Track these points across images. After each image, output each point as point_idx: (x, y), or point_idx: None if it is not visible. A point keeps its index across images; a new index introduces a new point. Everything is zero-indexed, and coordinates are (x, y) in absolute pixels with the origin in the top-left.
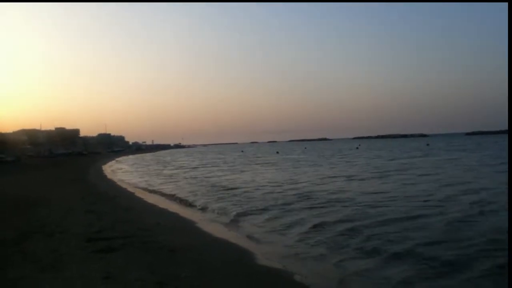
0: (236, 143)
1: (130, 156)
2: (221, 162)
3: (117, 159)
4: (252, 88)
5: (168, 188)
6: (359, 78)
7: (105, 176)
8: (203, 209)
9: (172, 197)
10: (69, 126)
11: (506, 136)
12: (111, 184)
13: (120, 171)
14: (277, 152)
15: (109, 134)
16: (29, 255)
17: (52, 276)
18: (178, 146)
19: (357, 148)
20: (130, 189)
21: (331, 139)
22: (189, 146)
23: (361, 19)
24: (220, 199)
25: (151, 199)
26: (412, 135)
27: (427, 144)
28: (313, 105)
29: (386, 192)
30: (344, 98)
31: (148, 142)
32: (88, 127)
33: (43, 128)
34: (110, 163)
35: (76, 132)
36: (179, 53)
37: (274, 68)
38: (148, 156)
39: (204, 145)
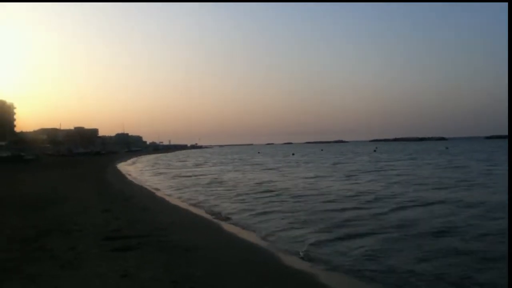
0: (252, 144)
1: (148, 156)
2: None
3: (132, 159)
4: (267, 89)
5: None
6: (378, 80)
7: (122, 175)
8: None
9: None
10: (88, 125)
11: None
12: (128, 183)
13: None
14: (293, 154)
15: (126, 134)
16: (48, 252)
17: (70, 274)
18: (194, 146)
19: (374, 151)
20: (147, 188)
21: (347, 141)
22: (205, 147)
23: (376, 20)
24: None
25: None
26: (430, 139)
27: (446, 148)
28: (330, 107)
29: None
30: (361, 100)
31: (165, 142)
32: (106, 127)
33: (62, 128)
34: (124, 164)
35: (94, 131)
36: (192, 53)
37: (289, 69)
38: (165, 156)
39: (221, 146)
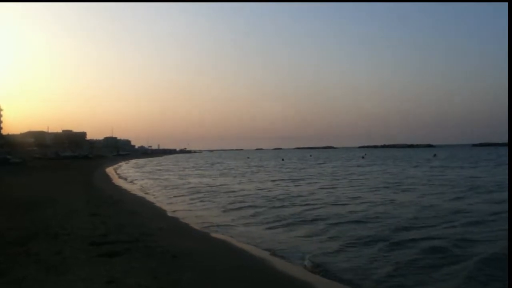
0: (242, 149)
1: (137, 160)
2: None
3: (119, 163)
4: (258, 94)
5: None
6: (366, 86)
7: (110, 179)
8: None
9: None
10: (76, 129)
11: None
12: (116, 187)
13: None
14: (282, 160)
15: (115, 138)
16: (33, 256)
17: (56, 278)
18: (183, 151)
19: (362, 157)
20: (136, 193)
21: (336, 148)
22: (194, 151)
23: (367, 25)
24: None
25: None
26: (418, 146)
27: (434, 155)
28: (320, 113)
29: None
30: (350, 106)
31: (154, 146)
32: (95, 131)
33: (50, 131)
34: (112, 168)
35: (82, 135)
36: (182, 56)
37: (279, 74)
38: (150, 161)
39: (210, 151)
